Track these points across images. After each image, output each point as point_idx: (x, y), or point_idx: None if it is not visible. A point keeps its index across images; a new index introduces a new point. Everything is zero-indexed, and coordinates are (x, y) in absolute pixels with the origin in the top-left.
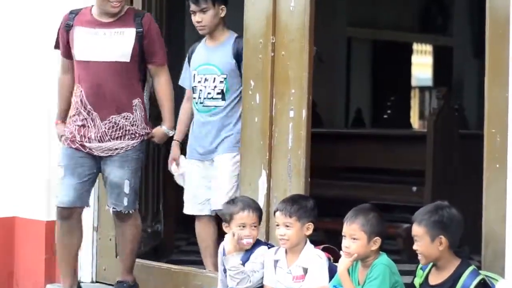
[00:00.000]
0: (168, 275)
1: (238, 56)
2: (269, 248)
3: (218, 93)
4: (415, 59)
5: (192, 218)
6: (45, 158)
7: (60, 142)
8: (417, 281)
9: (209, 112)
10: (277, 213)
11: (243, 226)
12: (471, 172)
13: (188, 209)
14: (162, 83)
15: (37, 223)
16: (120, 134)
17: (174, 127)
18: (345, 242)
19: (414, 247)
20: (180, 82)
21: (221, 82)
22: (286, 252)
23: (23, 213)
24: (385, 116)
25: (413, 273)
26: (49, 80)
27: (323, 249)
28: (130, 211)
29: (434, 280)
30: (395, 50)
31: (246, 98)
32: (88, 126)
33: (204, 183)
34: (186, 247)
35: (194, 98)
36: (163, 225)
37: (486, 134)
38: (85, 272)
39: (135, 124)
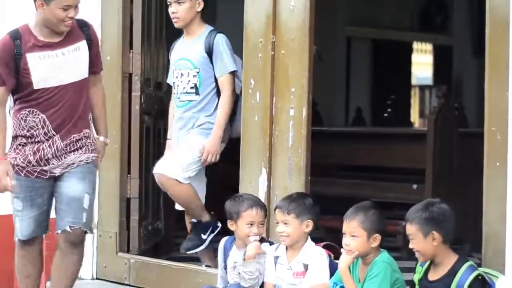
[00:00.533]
0: (168, 272)
1: (210, 50)
2: (270, 245)
3: (191, 87)
4: (415, 58)
5: None
6: None
7: (10, 175)
8: (416, 277)
9: (185, 107)
10: (276, 211)
11: (251, 224)
12: (471, 170)
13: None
14: (100, 91)
15: None
16: (78, 146)
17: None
18: (345, 240)
19: (410, 245)
20: (168, 80)
21: (194, 76)
22: (286, 248)
23: None
24: (385, 115)
25: (413, 270)
26: None
27: (324, 247)
28: (87, 232)
29: (432, 276)
30: (395, 49)
31: (246, 97)
32: (43, 149)
33: None
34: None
35: (174, 93)
36: (163, 222)
37: (486, 132)
38: (86, 269)
39: (91, 137)
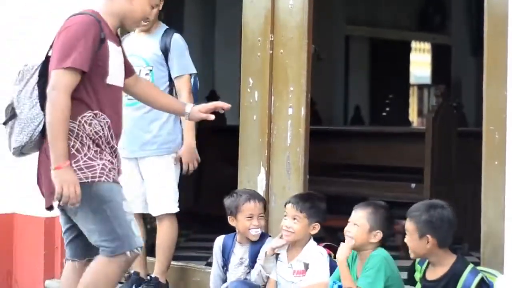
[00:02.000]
0: (169, 273)
1: (166, 49)
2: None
3: None
4: (413, 57)
5: (190, 215)
6: None
7: (98, 179)
8: (417, 276)
9: (135, 105)
10: (288, 205)
11: (251, 217)
12: (470, 169)
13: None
14: (147, 82)
15: (36, 220)
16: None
17: None
18: (347, 227)
19: (405, 239)
20: None
21: (146, 74)
22: (288, 246)
23: (22, 210)
24: (383, 114)
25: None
26: None
27: (324, 247)
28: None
29: (430, 275)
30: (394, 48)
31: (244, 96)
32: (113, 162)
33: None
34: (185, 243)
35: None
36: None
37: (485, 131)
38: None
39: None
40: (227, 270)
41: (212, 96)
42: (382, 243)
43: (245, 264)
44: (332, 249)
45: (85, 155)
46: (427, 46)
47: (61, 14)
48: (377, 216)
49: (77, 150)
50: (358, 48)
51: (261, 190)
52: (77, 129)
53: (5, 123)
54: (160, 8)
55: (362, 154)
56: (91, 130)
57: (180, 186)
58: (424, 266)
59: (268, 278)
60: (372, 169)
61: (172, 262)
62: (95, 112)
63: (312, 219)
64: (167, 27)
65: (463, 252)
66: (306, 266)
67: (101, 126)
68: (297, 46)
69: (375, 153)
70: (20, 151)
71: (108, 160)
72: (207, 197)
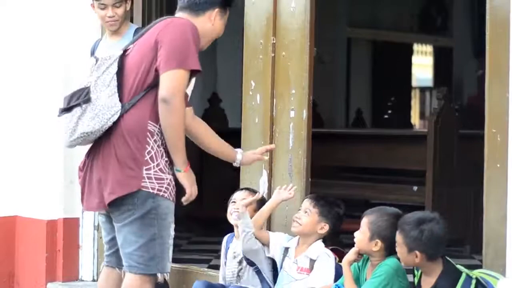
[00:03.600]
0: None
1: None
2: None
3: None
4: (415, 59)
5: (192, 218)
6: (46, 158)
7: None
8: (415, 281)
9: None
10: (305, 200)
11: (234, 202)
12: (472, 172)
13: None
14: None
15: (38, 222)
16: None
17: None
18: (356, 232)
19: (396, 249)
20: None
21: None
22: (297, 243)
23: (24, 212)
24: (385, 116)
25: (412, 272)
26: (51, 80)
27: (331, 250)
28: None
29: (424, 284)
30: (395, 51)
31: (246, 99)
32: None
33: None
34: (187, 246)
35: None
36: None
37: (487, 134)
38: (86, 271)
39: None
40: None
41: (213, 98)
42: (393, 251)
43: (237, 259)
44: (339, 253)
45: (157, 165)
46: (429, 48)
47: None
48: (378, 224)
49: (151, 158)
50: (360, 50)
51: (263, 193)
52: (156, 133)
53: (75, 106)
54: (128, 8)
55: (364, 157)
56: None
57: (182, 188)
58: (419, 273)
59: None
60: (374, 172)
61: (174, 265)
62: None
63: (323, 218)
64: (136, 26)
65: (465, 254)
66: (311, 263)
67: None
68: (299, 48)
69: (377, 155)
70: (84, 139)
71: (173, 175)
72: (208, 200)
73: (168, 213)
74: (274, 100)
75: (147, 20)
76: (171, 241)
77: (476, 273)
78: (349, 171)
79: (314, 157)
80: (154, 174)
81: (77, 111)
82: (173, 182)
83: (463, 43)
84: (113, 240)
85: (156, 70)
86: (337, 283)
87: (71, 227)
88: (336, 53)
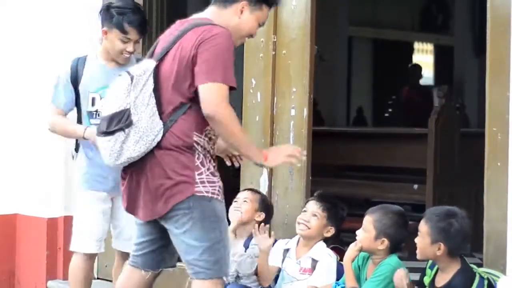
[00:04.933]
0: (170, 274)
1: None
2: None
3: None
4: (416, 58)
5: None
6: (47, 156)
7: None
8: (427, 280)
9: None
10: (312, 201)
11: (236, 201)
12: (472, 170)
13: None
14: None
15: (38, 220)
16: None
17: None
18: (358, 231)
19: (416, 239)
20: (53, 101)
21: None
22: (297, 243)
23: (24, 211)
24: (386, 115)
25: (414, 270)
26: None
27: (332, 249)
28: None
29: (438, 281)
30: (396, 49)
31: (247, 97)
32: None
33: (101, 218)
34: None
35: (97, 124)
36: None
37: (487, 132)
38: None
39: None
40: None
41: None
42: (396, 249)
43: (234, 258)
44: (340, 251)
45: (208, 169)
46: (430, 47)
47: None
48: (383, 223)
49: (201, 163)
50: (361, 49)
51: (263, 191)
52: (203, 143)
53: (117, 130)
54: (135, 49)
55: (364, 155)
56: (208, 144)
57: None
58: (433, 271)
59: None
60: (374, 170)
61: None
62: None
63: (330, 222)
64: (139, 57)
65: (466, 252)
66: (314, 263)
67: (213, 141)
68: (299, 47)
69: (377, 154)
70: (130, 161)
71: (220, 179)
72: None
73: (225, 215)
74: (275, 99)
75: (147, 16)
76: (229, 242)
77: (485, 273)
78: (350, 170)
79: (315, 155)
80: (206, 178)
81: (120, 135)
82: (222, 188)
83: (464, 41)
84: (146, 242)
85: (195, 82)
86: (338, 281)
87: (71, 225)
88: (337, 52)
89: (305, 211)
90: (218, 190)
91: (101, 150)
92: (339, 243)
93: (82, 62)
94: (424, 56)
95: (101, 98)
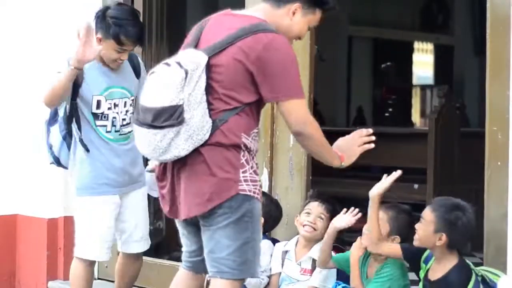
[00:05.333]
0: (170, 271)
1: (138, 74)
2: (273, 242)
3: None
4: (416, 57)
5: None
6: (46, 156)
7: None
8: (421, 274)
9: (128, 140)
10: (315, 203)
11: (308, 214)
12: (473, 170)
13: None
14: None
15: (39, 221)
16: None
17: None
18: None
19: (416, 225)
20: (91, 111)
21: (131, 105)
22: (296, 244)
23: (25, 211)
24: (386, 114)
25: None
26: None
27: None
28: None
29: (432, 275)
30: (396, 49)
31: None
32: None
33: (113, 224)
34: None
35: (103, 126)
36: (164, 222)
37: (488, 132)
38: None
39: None
40: None
41: None
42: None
43: None
44: (339, 250)
45: (251, 167)
46: (430, 46)
47: None
48: (399, 221)
49: (246, 160)
50: (361, 48)
51: (264, 190)
52: (249, 144)
53: (168, 126)
54: (125, 58)
55: (364, 155)
56: (255, 145)
57: None
58: (428, 266)
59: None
60: (374, 170)
61: (175, 263)
62: (258, 128)
63: (329, 221)
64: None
65: (466, 252)
66: (314, 264)
67: (256, 143)
68: (299, 46)
69: (377, 153)
70: (175, 158)
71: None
72: None
73: (260, 215)
74: None
75: (147, 21)
76: (260, 244)
77: (481, 270)
78: (350, 169)
79: None
80: (249, 176)
81: (169, 132)
82: (262, 187)
83: (464, 41)
84: (197, 250)
85: (256, 92)
86: (338, 281)
87: (72, 225)
88: (337, 51)
89: (308, 213)
90: (259, 189)
91: (141, 141)
92: (339, 242)
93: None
94: (424, 56)
95: (106, 100)
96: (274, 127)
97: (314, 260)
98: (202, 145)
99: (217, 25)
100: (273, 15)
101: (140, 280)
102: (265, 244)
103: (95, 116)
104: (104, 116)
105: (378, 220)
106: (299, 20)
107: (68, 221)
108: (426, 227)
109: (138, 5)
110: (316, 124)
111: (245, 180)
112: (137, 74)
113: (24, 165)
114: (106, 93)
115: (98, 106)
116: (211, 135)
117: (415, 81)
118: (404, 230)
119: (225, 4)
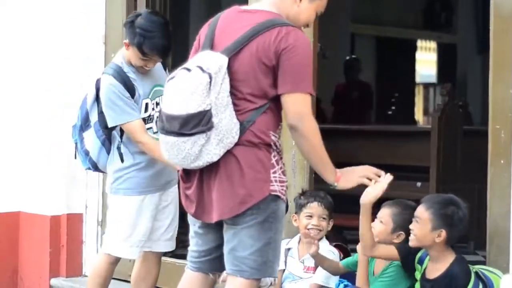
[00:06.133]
0: (173, 269)
1: (165, 67)
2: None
3: None
4: (419, 55)
5: None
6: (49, 153)
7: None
8: (418, 275)
9: None
10: (314, 204)
11: (310, 217)
12: (475, 168)
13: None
14: None
15: (41, 218)
16: None
17: None
18: (374, 223)
19: (411, 226)
20: (129, 117)
21: None
22: (299, 242)
23: (27, 208)
24: (389, 113)
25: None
26: (53, 78)
27: (334, 247)
28: None
29: (430, 274)
30: (399, 47)
31: None
32: None
33: (152, 223)
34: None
35: (150, 128)
36: None
37: (491, 130)
38: (90, 266)
39: None
40: None
41: None
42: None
43: None
44: (341, 249)
45: (280, 168)
46: (432, 44)
47: None
48: (403, 217)
49: (276, 161)
50: (364, 46)
51: None
52: (278, 142)
53: (197, 133)
54: (152, 66)
55: (367, 153)
56: (281, 144)
57: None
58: (424, 266)
59: None
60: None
61: (177, 260)
62: (281, 124)
63: (330, 216)
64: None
65: (469, 250)
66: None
67: (280, 140)
68: None
69: (380, 152)
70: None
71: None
72: None
73: (283, 216)
74: None
75: (150, 5)
76: (281, 245)
77: (475, 267)
78: None
79: None
80: (279, 177)
81: (200, 138)
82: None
83: (467, 39)
84: (215, 248)
85: (274, 87)
86: (342, 279)
87: (74, 222)
88: (340, 49)
89: (310, 216)
90: (285, 190)
91: (168, 150)
92: (342, 240)
93: (122, 72)
94: (427, 54)
95: (151, 101)
96: None
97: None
98: (235, 147)
99: (230, 24)
100: (281, 5)
101: None
102: None
103: (143, 120)
104: (150, 119)
105: (370, 226)
106: (306, 7)
107: (71, 219)
108: (422, 226)
109: (141, 2)
110: (315, 125)
111: (275, 181)
112: (165, 68)
113: (27, 162)
114: (150, 95)
115: (146, 109)
116: (240, 136)
117: (418, 79)
118: (408, 225)
119: (228, 1)
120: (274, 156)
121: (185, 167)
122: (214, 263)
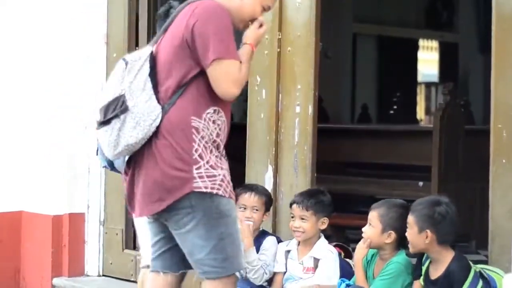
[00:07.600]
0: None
1: None
2: (277, 239)
3: None
4: (421, 55)
5: None
6: (51, 153)
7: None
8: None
9: None
10: (294, 205)
11: (244, 208)
12: (477, 167)
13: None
14: None
15: (43, 217)
16: None
17: None
18: (364, 227)
19: (406, 233)
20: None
21: None
22: (298, 243)
23: (30, 208)
24: (391, 112)
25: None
26: (53, 78)
27: (334, 246)
28: None
29: (433, 274)
30: (401, 46)
31: (252, 94)
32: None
33: None
34: None
35: None
36: None
37: (493, 129)
38: (92, 266)
39: None
40: None
41: None
42: (403, 244)
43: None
44: (342, 248)
45: (207, 162)
46: (434, 44)
47: None
48: (389, 216)
49: (200, 155)
50: (366, 46)
51: (269, 188)
52: (202, 128)
53: (113, 118)
54: None
55: (369, 152)
56: (214, 128)
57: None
58: (426, 266)
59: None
60: (379, 167)
61: None
62: (215, 108)
63: (320, 215)
64: None
65: (471, 250)
66: (316, 262)
67: (219, 126)
68: (304, 44)
69: (382, 151)
70: (129, 150)
71: (227, 170)
72: None
73: (230, 208)
74: (280, 96)
75: (152, 17)
76: (240, 235)
77: (478, 267)
78: (355, 167)
79: (320, 152)
80: (205, 172)
81: (116, 123)
82: (228, 178)
83: (469, 38)
84: (160, 242)
85: (196, 64)
86: (343, 278)
87: (76, 222)
88: (342, 49)
89: (293, 217)
90: (219, 184)
91: (101, 144)
92: (344, 240)
93: None
94: (429, 53)
95: None
96: (279, 124)
97: (315, 259)
98: (155, 139)
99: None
100: (234, 2)
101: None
102: (269, 240)
103: None
104: None
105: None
106: (249, 1)
107: (73, 218)
108: (410, 230)
109: (143, 1)
110: (243, 74)
111: (200, 177)
112: None
113: (29, 162)
114: None
115: None
116: (161, 122)
117: (420, 78)
118: (397, 223)
119: None
120: (197, 151)
121: (112, 158)
122: (164, 258)
